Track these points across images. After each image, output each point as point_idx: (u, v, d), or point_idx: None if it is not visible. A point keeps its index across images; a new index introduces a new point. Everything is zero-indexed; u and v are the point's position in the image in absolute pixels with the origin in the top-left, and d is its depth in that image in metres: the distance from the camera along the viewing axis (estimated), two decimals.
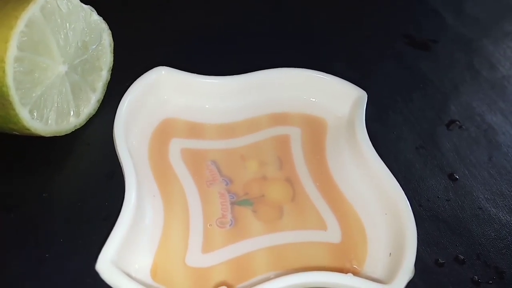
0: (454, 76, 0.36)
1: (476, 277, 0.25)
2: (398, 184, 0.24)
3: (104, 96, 0.31)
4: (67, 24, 0.27)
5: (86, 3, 0.28)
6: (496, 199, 0.29)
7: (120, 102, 0.26)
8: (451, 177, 0.30)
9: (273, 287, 0.20)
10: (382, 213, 0.24)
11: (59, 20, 0.27)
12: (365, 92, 0.28)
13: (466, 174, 0.30)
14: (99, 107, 0.30)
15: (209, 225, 0.24)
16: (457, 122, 0.33)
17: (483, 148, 0.31)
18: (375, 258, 0.24)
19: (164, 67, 0.27)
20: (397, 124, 0.32)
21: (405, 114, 0.33)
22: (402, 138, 0.31)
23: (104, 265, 0.20)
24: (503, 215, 0.28)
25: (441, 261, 0.26)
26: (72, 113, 0.28)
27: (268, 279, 0.21)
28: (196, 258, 0.23)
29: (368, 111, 0.27)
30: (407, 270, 0.21)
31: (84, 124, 0.29)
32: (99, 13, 0.29)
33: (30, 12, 0.25)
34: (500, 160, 0.31)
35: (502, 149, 0.31)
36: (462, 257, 0.26)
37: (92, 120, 0.30)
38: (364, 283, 0.21)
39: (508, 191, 0.29)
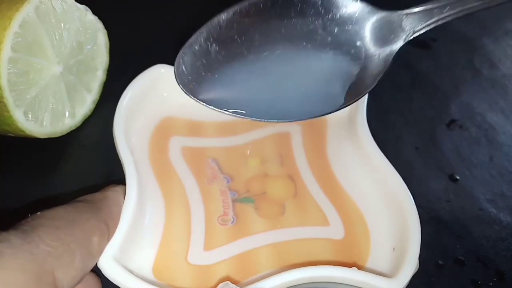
0: (454, 75, 0.35)
1: (476, 279, 0.25)
2: (400, 178, 0.24)
3: (100, 97, 0.30)
4: (62, 24, 0.27)
5: (81, 3, 0.28)
6: (497, 200, 0.28)
7: (120, 99, 0.25)
8: (451, 177, 0.29)
9: (277, 281, 0.20)
10: (385, 207, 0.24)
11: (53, 20, 0.26)
12: None
13: (467, 174, 0.29)
14: (94, 108, 0.30)
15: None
16: (458, 122, 0.32)
17: (484, 148, 0.31)
18: (379, 253, 0.23)
19: (163, 64, 0.27)
20: (397, 124, 0.32)
21: (405, 114, 0.32)
22: (402, 138, 0.31)
23: (106, 262, 0.20)
24: (504, 216, 0.28)
25: (441, 263, 0.26)
26: (67, 114, 0.28)
27: (272, 275, 0.21)
28: (198, 255, 0.23)
29: (368, 111, 0.27)
30: (411, 263, 0.21)
31: (80, 125, 0.29)
32: (94, 13, 0.29)
33: (24, 13, 0.24)
34: (501, 161, 0.30)
35: (503, 149, 0.31)
36: (462, 259, 0.26)
37: (87, 121, 0.30)
38: (369, 276, 0.21)
39: (509, 192, 0.29)
